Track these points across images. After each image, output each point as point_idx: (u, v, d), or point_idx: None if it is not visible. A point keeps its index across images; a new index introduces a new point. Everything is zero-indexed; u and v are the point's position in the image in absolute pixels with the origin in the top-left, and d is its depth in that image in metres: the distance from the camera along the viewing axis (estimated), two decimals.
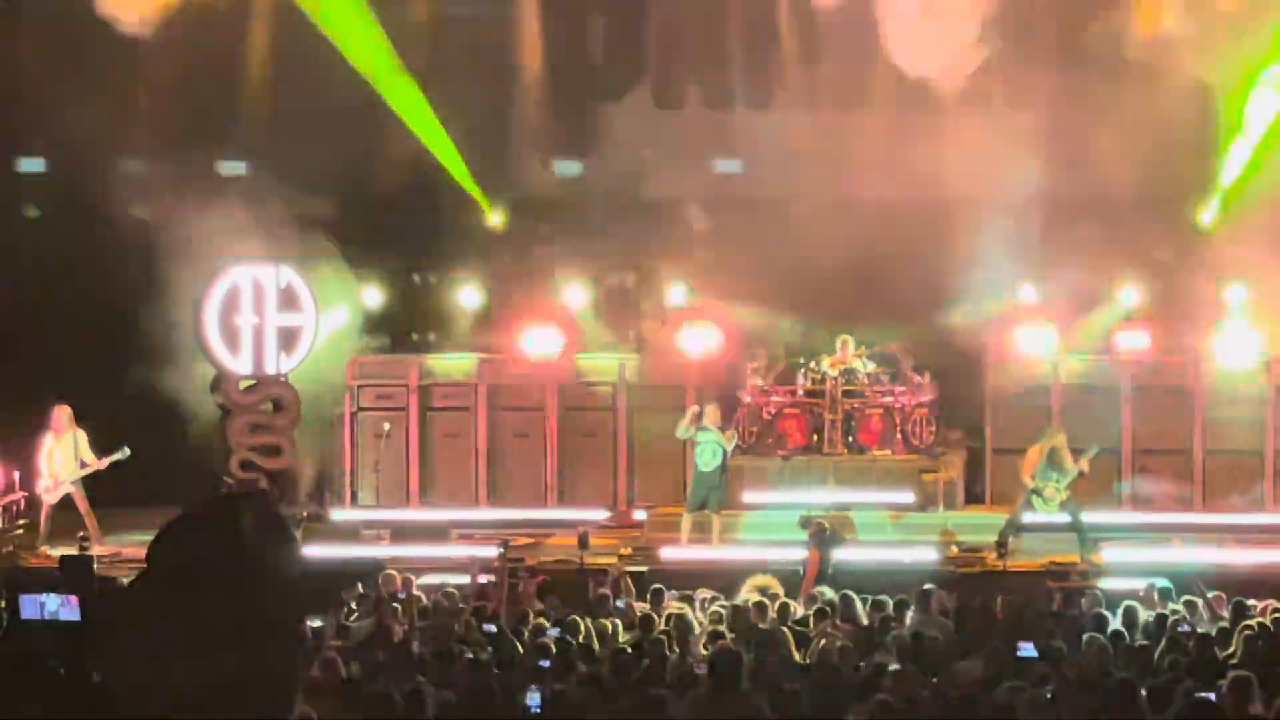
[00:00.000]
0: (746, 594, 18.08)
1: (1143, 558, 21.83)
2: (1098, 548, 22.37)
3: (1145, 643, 15.28)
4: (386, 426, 25.72)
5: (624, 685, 12.65)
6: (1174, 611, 16.82)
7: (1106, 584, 19.66)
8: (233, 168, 27.23)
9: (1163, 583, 18.47)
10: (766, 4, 27.92)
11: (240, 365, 24.75)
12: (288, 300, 24.71)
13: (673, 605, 17.52)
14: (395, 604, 17.67)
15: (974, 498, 25.75)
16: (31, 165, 27.80)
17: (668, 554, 22.45)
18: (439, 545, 23.17)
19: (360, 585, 18.64)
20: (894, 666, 13.34)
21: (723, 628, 16.01)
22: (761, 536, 23.25)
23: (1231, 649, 14.86)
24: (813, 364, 25.67)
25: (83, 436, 23.51)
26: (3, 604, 14.55)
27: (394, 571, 19.46)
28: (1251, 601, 17.26)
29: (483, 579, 20.24)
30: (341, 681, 12.93)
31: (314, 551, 21.44)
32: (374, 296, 27.01)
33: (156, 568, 3.39)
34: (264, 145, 26.23)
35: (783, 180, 28.31)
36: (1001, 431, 25.97)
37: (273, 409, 25.03)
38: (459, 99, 27.31)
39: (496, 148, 28.32)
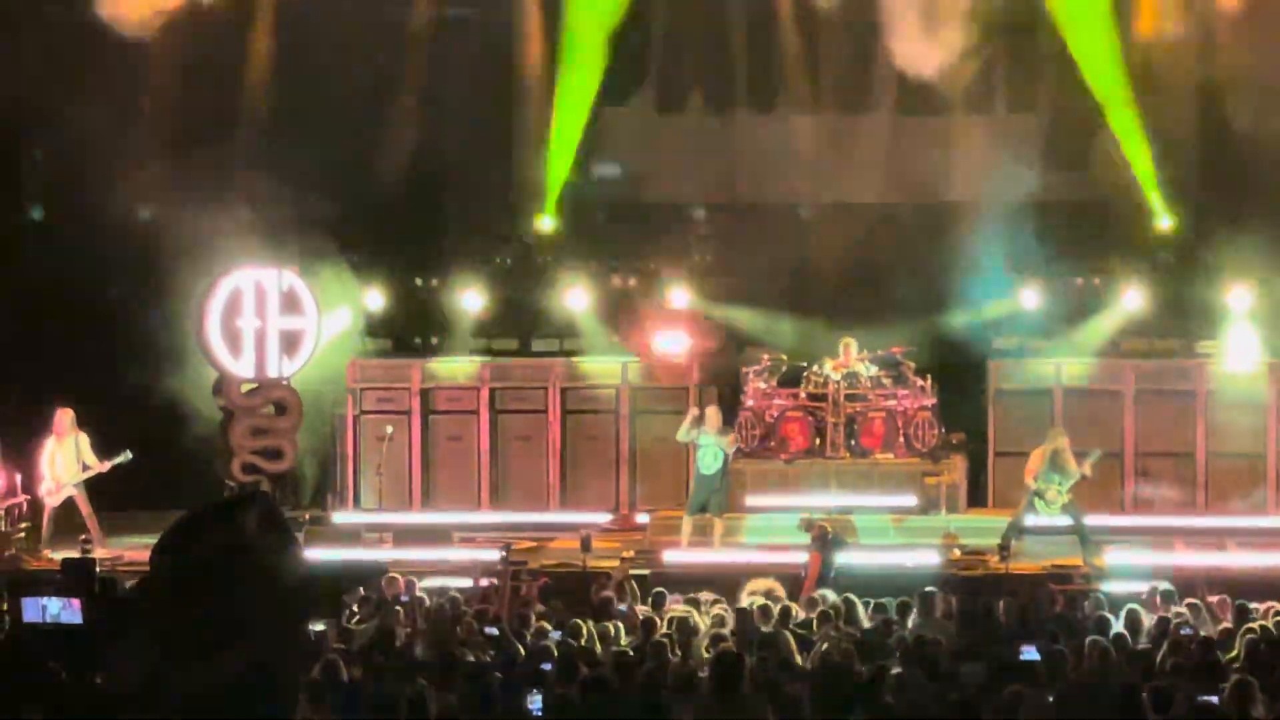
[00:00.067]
0: (748, 597, 18.06)
1: (1145, 561, 21.82)
2: (1100, 551, 22.36)
3: (1147, 646, 15.28)
4: (389, 429, 25.71)
5: (626, 688, 12.64)
6: (1177, 615, 16.81)
7: (1109, 587, 19.65)
8: (235, 170, 27.21)
9: (1165, 586, 18.46)
10: (768, 8, 27.91)
11: (242, 368, 24.76)
12: (290, 303, 24.72)
13: (678, 608, 17.50)
14: (398, 607, 17.66)
15: (976, 501, 25.74)
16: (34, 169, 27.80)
17: (670, 557, 22.44)
18: (441, 548, 23.16)
19: (363, 588, 18.62)
20: (896, 670, 13.33)
21: (725, 631, 16.00)
22: (764, 540, 23.24)
23: (1234, 652, 14.84)
24: (815, 367, 25.66)
25: (85, 439, 23.51)
26: (4, 607, 14.55)
27: (397, 574, 19.45)
28: (1254, 605, 17.25)
29: (485, 582, 20.23)
30: (343, 684, 12.92)
31: (317, 554, 21.43)
32: (376, 299, 27.00)
33: (160, 570, 3.39)
34: (266, 147, 26.21)
35: (785, 183, 28.33)
36: (1003, 434, 25.96)
37: (275, 412, 25.04)
38: (462, 101, 27.32)
39: (498, 149, 28.34)
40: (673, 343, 26.26)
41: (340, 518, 25.44)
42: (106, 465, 23.34)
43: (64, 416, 23.49)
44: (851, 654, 14.31)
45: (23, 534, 23.26)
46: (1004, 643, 14.83)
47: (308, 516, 24.71)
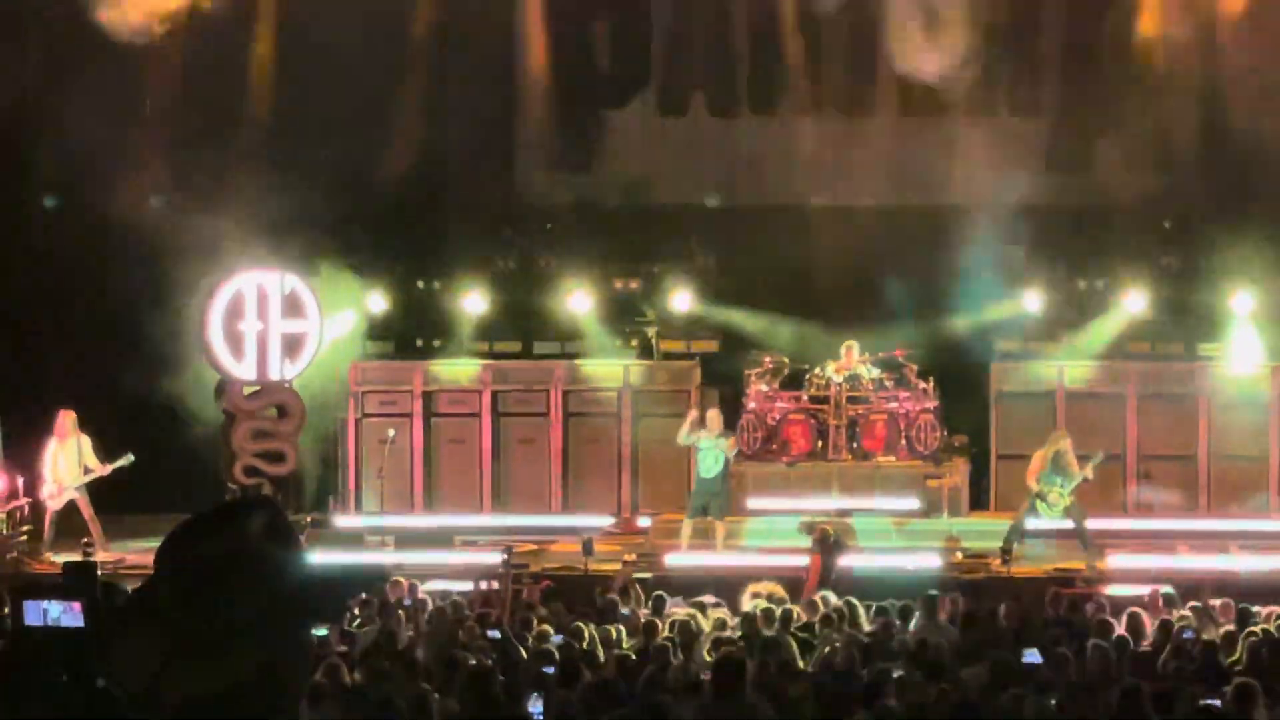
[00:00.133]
0: (750, 600, 18.06)
1: (1148, 564, 21.84)
2: (1102, 554, 22.37)
3: (1149, 649, 15.27)
4: (391, 432, 25.71)
5: (628, 691, 12.64)
6: (1179, 618, 16.80)
7: (1111, 590, 19.65)
8: (238, 172, 27.20)
9: (1168, 589, 18.46)
10: (771, 11, 27.91)
11: (244, 371, 24.76)
12: (292, 306, 24.73)
13: (679, 612, 17.50)
14: (400, 610, 17.67)
15: (978, 504, 25.74)
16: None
17: (672, 560, 22.44)
18: (443, 552, 23.17)
19: (364, 592, 18.63)
20: (898, 673, 13.32)
21: (727, 633, 16.01)
22: (765, 543, 23.25)
23: (1236, 655, 14.84)
24: (817, 370, 25.66)
25: (87, 442, 23.51)
26: (5, 610, 14.55)
27: (400, 578, 19.45)
28: (1256, 608, 17.24)
29: (486, 585, 20.23)
30: (345, 688, 12.92)
31: (319, 558, 21.42)
32: (378, 302, 27.00)
33: (164, 573, 3.39)
34: (268, 149, 26.22)
35: (787, 186, 28.34)
36: (1006, 437, 25.96)
37: (277, 415, 25.04)
38: (464, 103, 27.33)
39: (500, 152, 28.36)
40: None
41: (342, 521, 25.44)
42: (108, 468, 23.34)
43: (66, 419, 23.50)
44: (853, 657, 14.31)
45: (24, 537, 23.28)
46: (1006, 646, 14.82)
47: (309, 519, 24.72)
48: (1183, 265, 27.05)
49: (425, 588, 19.49)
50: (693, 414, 24.05)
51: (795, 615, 17.23)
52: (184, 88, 26.09)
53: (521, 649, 15.27)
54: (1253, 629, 15.54)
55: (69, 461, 23.41)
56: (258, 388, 24.92)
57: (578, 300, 26.77)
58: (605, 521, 25.50)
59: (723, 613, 17.41)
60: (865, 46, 27.20)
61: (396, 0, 27.28)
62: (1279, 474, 25.48)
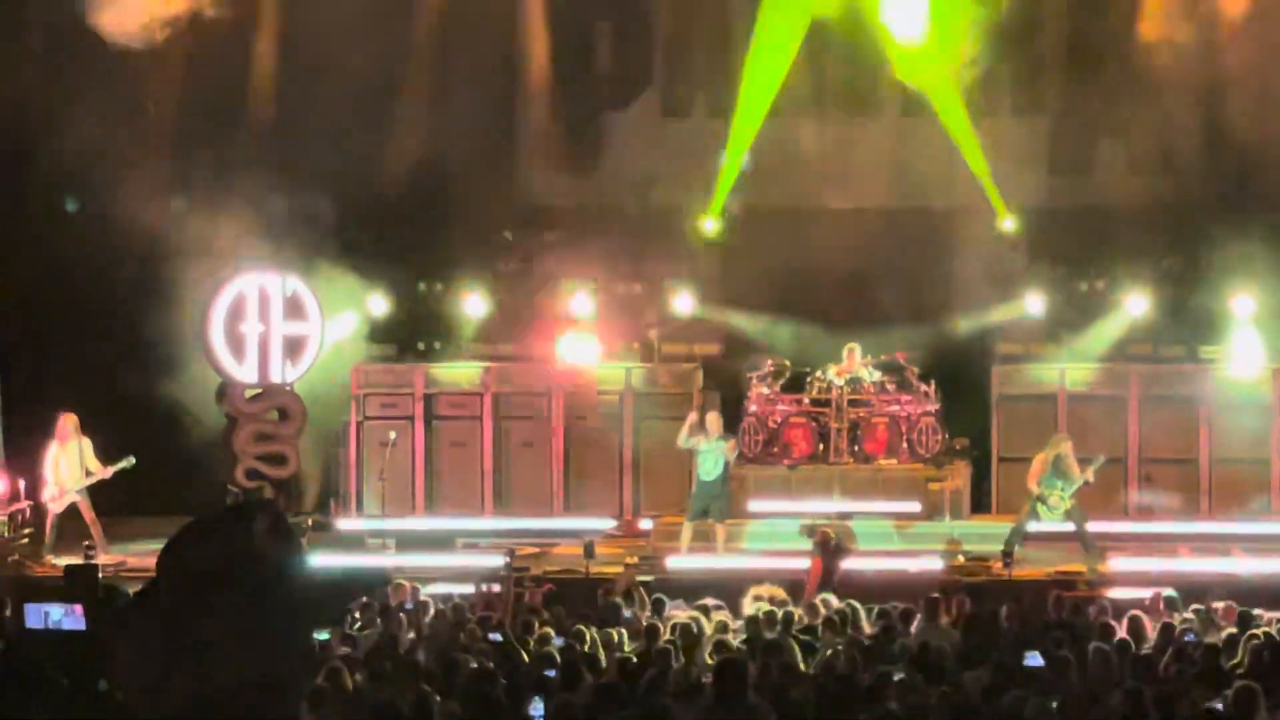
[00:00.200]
0: (752, 603, 18.05)
1: (1149, 567, 21.84)
2: (1104, 557, 22.37)
3: (1151, 652, 15.26)
4: (392, 435, 25.70)
5: (629, 695, 12.64)
6: (1181, 621, 16.80)
7: (1113, 593, 19.65)
8: (238, 174, 27.22)
9: (1169, 592, 18.46)
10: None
11: (246, 374, 24.75)
12: (293, 309, 24.71)
13: (680, 614, 17.48)
14: (401, 613, 17.66)
15: (980, 506, 25.73)
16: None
17: (674, 563, 22.44)
18: (444, 554, 23.16)
19: (366, 595, 18.62)
20: (899, 676, 13.32)
21: (728, 637, 16.00)
22: (766, 545, 23.25)
23: (1237, 658, 14.83)
24: (819, 373, 25.66)
25: (88, 445, 23.50)
26: (7, 613, 14.55)
27: (402, 581, 19.45)
28: (1258, 611, 17.23)
29: (488, 588, 20.23)
30: (347, 691, 12.92)
31: (320, 560, 21.43)
32: (380, 304, 27.00)
33: (166, 575, 3.39)
34: (269, 151, 26.23)
35: (788, 188, 28.33)
36: (1007, 440, 25.95)
37: (278, 417, 25.03)
38: (466, 106, 27.33)
39: (501, 154, 28.37)
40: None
41: (343, 524, 25.44)
42: (109, 471, 23.33)
43: (67, 422, 23.49)
44: (855, 660, 14.31)
45: (25, 540, 23.27)
46: (1007, 649, 14.81)
47: (311, 522, 24.71)
48: (1184, 268, 27.04)
49: (426, 590, 19.47)
50: (692, 417, 24.05)
51: (797, 618, 17.23)
52: (185, 89, 26.09)
53: (523, 652, 15.26)
54: (1254, 632, 15.53)
55: (70, 464, 23.41)
56: (259, 390, 24.91)
57: (579, 303, 26.75)
58: (607, 524, 25.49)
59: (724, 615, 17.40)
60: (866, 48, 27.18)
61: (398, 2, 27.27)
62: None
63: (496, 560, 20.96)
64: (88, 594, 11.92)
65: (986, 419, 26.26)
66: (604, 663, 14.87)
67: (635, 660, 14.43)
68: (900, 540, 23.81)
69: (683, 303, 26.87)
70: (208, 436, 25.15)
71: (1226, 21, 26.49)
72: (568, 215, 28.32)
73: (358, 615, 17.71)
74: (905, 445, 25.28)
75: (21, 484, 23.51)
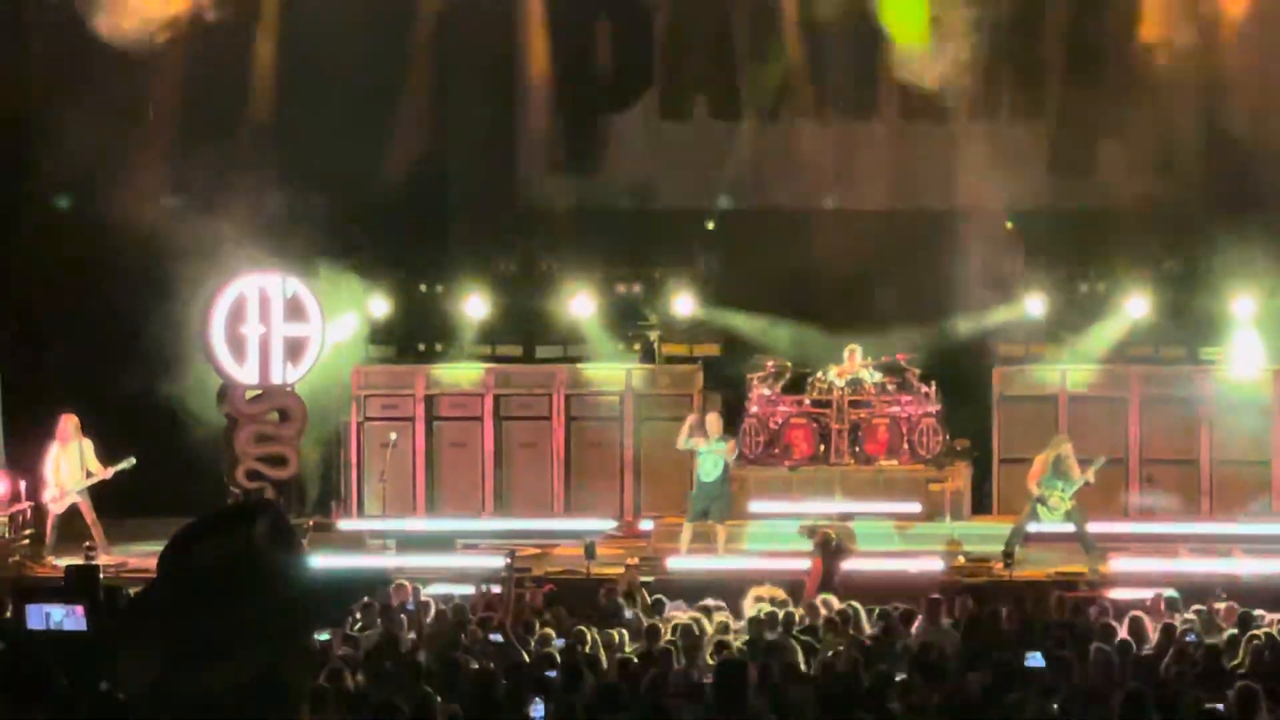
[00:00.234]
0: (754, 604, 18.05)
1: (1150, 568, 21.83)
2: (1104, 557, 22.36)
3: (1152, 653, 15.26)
4: (392, 436, 25.70)
5: (631, 695, 12.64)
6: (1183, 621, 16.80)
7: (1114, 594, 19.65)
8: (239, 175, 27.22)
9: (1170, 593, 18.45)
10: (773, 15, 27.90)
11: (246, 375, 24.74)
12: (294, 310, 24.70)
13: (680, 615, 17.48)
14: (402, 614, 17.66)
15: (981, 507, 25.73)
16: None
17: (674, 564, 22.44)
18: (445, 555, 23.15)
19: (366, 595, 18.61)
20: (901, 677, 13.32)
21: (729, 637, 16.00)
22: (767, 546, 23.25)
23: (1239, 659, 14.83)
24: (820, 374, 25.66)
25: (89, 446, 23.51)
26: (8, 614, 14.54)
27: (403, 581, 19.44)
28: (1259, 612, 17.23)
29: (489, 589, 20.22)
30: (348, 691, 12.92)
31: (320, 561, 21.42)
32: (380, 305, 27.00)
33: (168, 576, 3.39)
34: (270, 152, 26.23)
35: (789, 190, 28.34)
36: (1008, 441, 25.95)
37: (279, 419, 25.03)
38: (466, 107, 27.34)
39: (501, 155, 28.37)
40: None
41: (344, 524, 25.44)
42: (110, 472, 23.34)
43: (68, 423, 23.49)
44: (855, 661, 14.31)
45: (26, 541, 23.28)
46: (1008, 649, 14.81)
47: (311, 523, 24.71)
48: (1184, 269, 27.04)
49: (427, 591, 19.47)
50: (691, 418, 24.05)
51: (798, 618, 17.23)
52: (186, 90, 26.08)
53: (524, 652, 15.26)
54: (1255, 633, 15.53)
55: (71, 465, 23.41)
56: (260, 392, 24.91)
57: (580, 304, 26.76)
58: (607, 525, 25.49)
59: (725, 616, 17.40)
60: (867, 50, 27.18)
61: (398, 2, 27.27)
62: None
63: (497, 561, 20.95)
64: (89, 595, 11.92)
65: (987, 420, 26.25)
66: (605, 663, 14.87)
67: (636, 661, 14.43)
68: (901, 541, 23.81)
69: (683, 304, 26.87)
70: (208, 437, 25.14)
71: (1227, 23, 26.48)
72: (567, 216, 28.30)
73: (358, 616, 17.70)
74: (906, 446, 25.28)
75: (22, 485, 23.52)
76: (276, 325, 24.63)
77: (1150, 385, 26.00)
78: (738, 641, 15.77)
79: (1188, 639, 15.67)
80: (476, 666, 13.97)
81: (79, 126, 24.09)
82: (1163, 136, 26.60)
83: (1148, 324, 26.31)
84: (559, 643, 15.48)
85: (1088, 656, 14.34)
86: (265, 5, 26.89)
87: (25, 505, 23.43)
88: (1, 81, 24.77)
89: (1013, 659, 14.02)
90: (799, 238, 27.09)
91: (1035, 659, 14.08)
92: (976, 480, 25.82)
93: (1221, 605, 17.83)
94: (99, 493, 23.44)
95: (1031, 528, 22.93)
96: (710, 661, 14.61)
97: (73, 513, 23.38)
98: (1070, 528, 22.88)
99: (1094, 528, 22.99)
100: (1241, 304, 25.69)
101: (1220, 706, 11.96)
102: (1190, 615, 17.21)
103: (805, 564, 21.09)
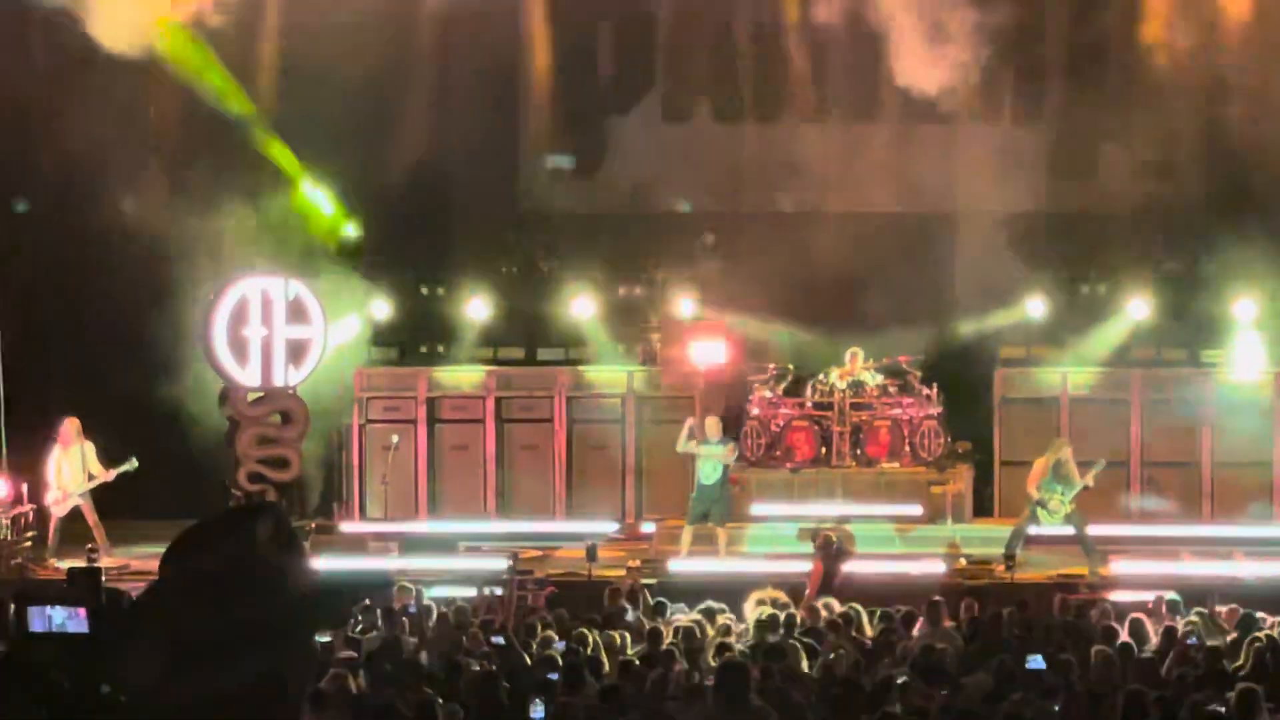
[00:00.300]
0: (755, 607, 18.06)
1: (1151, 570, 21.84)
2: (1105, 560, 22.37)
3: (1153, 655, 15.27)
4: (395, 439, 25.72)
5: (632, 697, 12.65)
6: (1187, 624, 16.80)
7: (1116, 596, 19.65)
8: (240, 176, 27.24)
9: (1172, 595, 18.46)
10: (775, 18, 27.92)
11: (248, 378, 24.75)
12: (296, 312, 24.71)
13: (681, 618, 17.49)
14: (404, 617, 17.67)
15: (982, 510, 25.73)
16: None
17: (675, 566, 22.45)
18: (447, 557, 23.16)
19: (368, 598, 18.62)
20: (902, 679, 13.33)
21: (730, 639, 16.01)
22: (769, 549, 23.25)
23: (1240, 661, 14.84)
24: (821, 376, 25.66)
25: (90, 448, 23.53)
26: (10, 616, 14.55)
27: (405, 584, 19.45)
28: (1260, 614, 17.23)
29: (491, 591, 20.24)
30: (350, 694, 12.93)
31: (322, 563, 21.42)
32: (382, 308, 27.01)
33: (169, 579, 3.40)
34: (273, 153, 26.24)
35: (791, 192, 28.35)
36: (1009, 444, 25.95)
37: (281, 421, 25.03)
38: (468, 109, 27.34)
39: (504, 158, 28.39)
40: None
41: (346, 527, 25.46)
42: (112, 474, 23.35)
43: (70, 425, 23.51)
44: (857, 663, 14.32)
45: (28, 543, 23.29)
46: (1010, 652, 14.82)
47: (313, 525, 24.73)
48: (1186, 272, 27.04)
49: (429, 594, 19.48)
50: (690, 421, 24.06)
51: (799, 621, 17.24)
52: (187, 91, 26.07)
53: (526, 655, 15.27)
54: (1256, 635, 15.54)
55: (73, 467, 23.43)
56: (262, 394, 24.92)
57: (582, 306, 26.77)
58: (609, 527, 25.50)
59: (727, 618, 17.41)
60: (868, 53, 27.18)
61: (400, 5, 27.27)
62: None
63: (499, 563, 20.97)
64: (91, 597, 11.92)
65: (989, 422, 26.27)
66: (607, 665, 14.88)
67: (638, 663, 14.44)
68: (902, 543, 23.81)
69: (684, 306, 26.87)
70: (210, 439, 25.15)
71: (1228, 25, 26.48)
72: (569, 219, 28.31)
73: (360, 618, 17.71)
74: (907, 448, 25.28)
75: (24, 487, 23.53)
76: (279, 327, 24.64)
77: (1151, 388, 26.02)
78: (740, 644, 15.78)
79: (1189, 641, 15.68)
80: (478, 669, 13.98)
81: (80, 128, 24.10)
82: (1164, 139, 26.61)
83: (1149, 326, 26.32)
84: (560, 645, 15.49)
85: (1089, 659, 14.35)
86: (266, 5, 26.89)
87: (27, 508, 23.44)
88: (2, 82, 24.76)
89: (1014, 661, 14.03)
90: (800, 240, 27.08)
91: (1036, 661, 14.08)
92: (978, 483, 25.82)
93: (1223, 608, 17.85)
94: (101, 494, 23.45)
95: (1031, 531, 22.93)
96: (712, 663, 14.61)
97: (75, 515, 23.40)
98: (1070, 531, 22.88)
99: (1095, 530, 22.98)
100: (1242, 306, 25.70)
101: (1221, 709, 11.97)
102: (1192, 618, 17.21)
103: (806, 566, 21.09)
